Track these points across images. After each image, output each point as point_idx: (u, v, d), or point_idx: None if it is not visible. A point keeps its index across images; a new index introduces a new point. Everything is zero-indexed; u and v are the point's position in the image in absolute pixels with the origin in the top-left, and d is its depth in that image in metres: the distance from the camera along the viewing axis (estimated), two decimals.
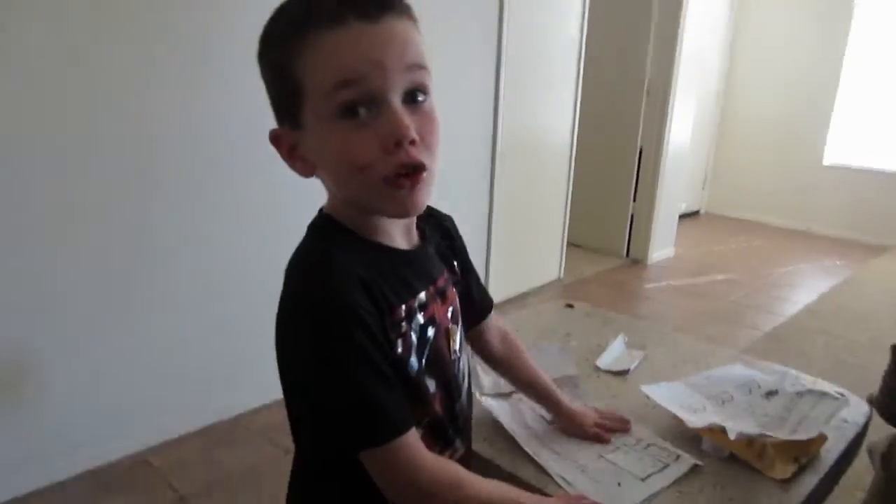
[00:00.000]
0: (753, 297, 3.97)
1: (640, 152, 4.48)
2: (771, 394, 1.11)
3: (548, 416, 1.00)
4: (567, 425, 0.98)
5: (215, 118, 2.05)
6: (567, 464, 0.90)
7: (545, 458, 0.91)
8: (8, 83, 1.64)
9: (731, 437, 0.91)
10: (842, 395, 1.15)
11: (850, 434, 1.05)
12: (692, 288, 4.11)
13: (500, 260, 3.33)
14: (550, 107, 3.69)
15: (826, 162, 5.90)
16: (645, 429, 1.01)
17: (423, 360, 0.70)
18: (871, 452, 1.20)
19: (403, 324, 0.67)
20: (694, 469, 0.91)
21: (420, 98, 0.63)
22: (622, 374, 1.21)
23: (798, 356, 3.07)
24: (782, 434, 0.98)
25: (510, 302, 3.66)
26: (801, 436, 0.97)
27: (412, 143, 0.61)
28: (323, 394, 0.63)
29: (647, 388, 1.05)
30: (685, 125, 4.56)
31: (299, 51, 0.60)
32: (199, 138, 2.04)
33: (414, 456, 0.64)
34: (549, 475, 0.87)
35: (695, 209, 6.57)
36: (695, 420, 0.97)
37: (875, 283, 4.51)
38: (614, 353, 1.27)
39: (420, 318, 0.70)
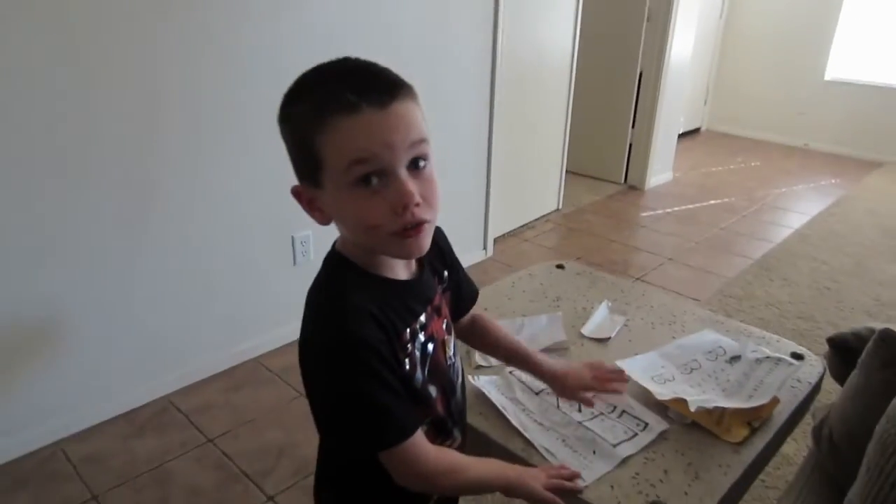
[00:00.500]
0: (746, 223, 4.09)
1: (640, 77, 4.47)
2: (734, 359, 1.25)
3: (538, 385, 1.15)
4: (559, 389, 1.08)
5: None
6: (550, 435, 1.05)
7: (531, 430, 1.06)
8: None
9: (692, 409, 1.06)
10: (799, 356, 1.29)
11: (801, 395, 1.20)
12: (687, 215, 4.22)
13: (500, 192, 3.42)
14: (550, 34, 3.69)
15: (828, 77, 5.86)
16: (620, 397, 1.15)
17: (426, 371, 0.84)
18: (813, 417, 1.35)
19: (409, 345, 0.81)
20: (660, 436, 1.07)
21: (422, 165, 0.74)
22: (604, 341, 1.35)
23: (782, 285, 3.22)
24: (739, 400, 1.13)
25: (511, 235, 3.79)
26: (755, 402, 1.12)
27: (417, 205, 0.73)
28: (346, 413, 0.77)
29: (621, 363, 1.19)
30: (686, 48, 4.53)
31: (319, 129, 0.71)
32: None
33: (418, 452, 0.80)
34: (534, 447, 1.03)
35: (696, 126, 6.58)
36: (662, 392, 1.11)
37: (865, 201, 4.60)
38: (597, 320, 1.41)
39: (421, 337, 0.83)
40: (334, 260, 0.83)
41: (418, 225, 0.74)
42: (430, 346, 0.85)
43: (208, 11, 2.02)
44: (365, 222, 0.73)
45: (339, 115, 0.69)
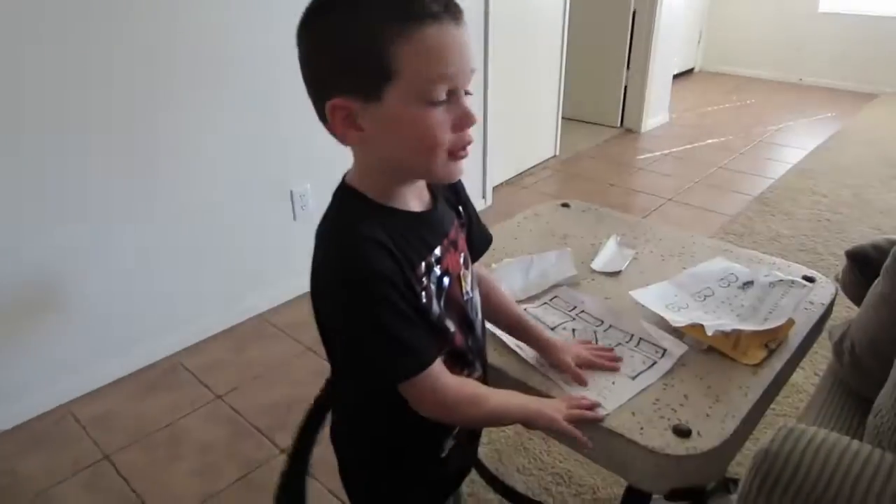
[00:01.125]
0: (744, 161, 4.06)
1: (633, 17, 4.38)
2: (747, 284, 1.24)
3: (553, 320, 1.14)
4: (552, 359, 1.03)
5: None
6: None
7: (548, 367, 1.05)
8: None
9: (709, 333, 1.05)
10: (811, 279, 1.28)
11: (815, 316, 1.19)
12: (685, 155, 4.18)
13: (497, 141, 3.37)
14: None
15: (822, 9, 5.75)
16: (637, 324, 1.15)
17: (442, 305, 0.82)
18: (830, 335, 1.34)
19: (424, 278, 0.78)
20: (678, 361, 1.06)
21: (470, 93, 0.74)
22: (615, 274, 1.33)
23: (783, 220, 3.21)
24: (755, 323, 1.12)
25: (509, 183, 3.75)
26: (771, 324, 1.11)
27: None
28: (363, 345, 0.75)
29: (635, 293, 1.17)
30: None
31: (399, 37, 0.66)
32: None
33: (438, 381, 0.78)
34: (552, 380, 1.02)
35: (689, 67, 6.49)
36: (678, 319, 1.10)
37: (862, 133, 4.57)
38: (607, 255, 1.39)
39: (437, 270, 0.81)
40: (345, 193, 0.80)
41: (466, 146, 0.75)
42: (446, 280, 0.83)
43: None
44: (429, 140, 0.71)
45: (426, 24, 0.66)
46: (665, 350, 1.07)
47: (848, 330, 1.28)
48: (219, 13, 2.06)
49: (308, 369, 2.19)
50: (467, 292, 0.88)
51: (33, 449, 1.88)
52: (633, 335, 1.11)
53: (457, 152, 0.74)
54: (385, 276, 0.72)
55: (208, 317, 2.35)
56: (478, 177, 3.33)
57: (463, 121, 0.72)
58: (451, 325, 0.84)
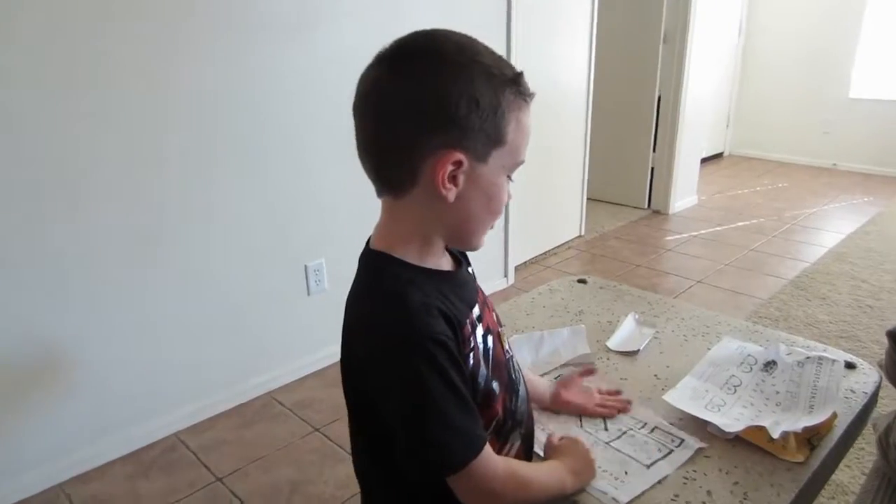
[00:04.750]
0: (778, 244, 3.94)
1: (659, 101, 4.39)
2: (769, 365, 1.12)
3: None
4: (569, 409, 1.05)
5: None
6: None
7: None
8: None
9: (775, 436, 0.93)
10: (852, 365, 1.17)
11: (858, 406, 1.07)
12: (715, 237, 4.08)
13: (521, 220, 3.33)
14: (565, 59, 3.63)
15: (853, 95, 5.73)
16: (649, 410, 1.04)
17: (490, 366, 0.77)
18: (874, 428, 1.21)
19: (471, 338, 0.75)
20: (699, 452, 0.94)
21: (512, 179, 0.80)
22: (632, 354, 1.23)
23: (821, 305, 3.05)
24: (802, 412, 1.00)
25: (533, 262, 3.68)
26: (819, 412, 0.99)
27: None
28: (419, 426, 0.69)
29: (668, 398, 1.05)
30: (704, 70, 4.45)
31: (515, 108, 0.72)
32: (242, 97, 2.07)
33: (487, 467, 0.72)
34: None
35: (718, 151, 6.46)
36: (729, 423, 0.98)
37: None
38: (624, 333, 1.29)
39: (480, 329, 0.77)
40: (381, 259, 0.75)
41: None
42: (490, 339, 0.79)
43: (217, 37, 1.99)
44: (500, 207, 0.76)
45: (527, 104, 0.74)
46: (682, 440, 0.96)
47: (894, 422, 1.14)
48: (231, 89, 2.08)
49: (314, 451, 2.08)
50: (507, 350, 0.86)
51: None
52: (645, 423, 1.00)
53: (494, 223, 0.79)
54: (442, 341, 0.69)
55: (214, 394, 2.26)
56: (500, 255, 3.27)
57: (509, 197, 0.78)
58: (496, 388, 0.79)
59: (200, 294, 2.15)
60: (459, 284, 0.79)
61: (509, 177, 0.76)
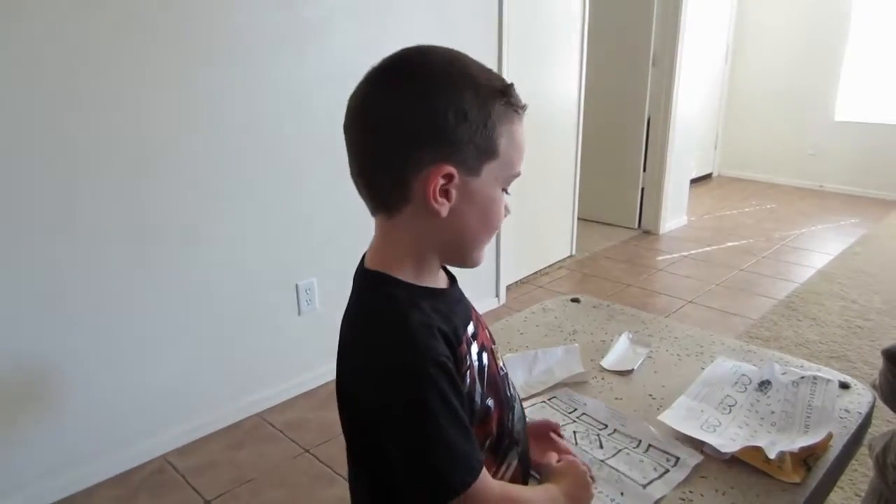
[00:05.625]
0: (767, 264, 3.96)
1: (648, 122, 4.44)
2: (763, 384, 1.13)
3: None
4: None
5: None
6: None
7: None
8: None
9: (772, 456, 0.93)
10: (846, 385, 1.17)
11: (853, 426, 1.07)
12: (705, 257, 4.10)
13: (512, 240, 3.34)
14: (555, 82, 3.67)
15: (838, 118, 5.81)
16: (645, 430, 1.03)
17: (485, 384, 0.76)
18: (871, 448, 1.21)
19: (467, 357, 0.73)
20: (695, 472, 0.94)
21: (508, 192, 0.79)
22: (626, 373, 1.23)
23: (811, 325, 3.07)
24: (798, 432, 1.00)
25: (524, 282, 3.68)
26: (815, 432, 0.99)
27: None
28: (420, 451, 0.66)
29: (664, 418, 1.05)
30: (693, 92, 4.50)
31: (507, 121, 0.72)
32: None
33: (484, 493, 0.69)
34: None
35: (707, 172, 6.52)
36: (725, 444, 0.98)
37: (889, 240, 4.46)
38: (618, 352, 1.29)
39: (475, 346, 0.76)
40: (376, 279, 0.74)
41: None
42: (485, 357, 0.78)
43: (208, 56, 2.00)
44: (496, 221, 0.76)
45: (519, 116, 0.74)
46: (678, 458, 0.96)
47: (891, 441, 1.14)
48: (222, 107, 2.09)
49: (304, 473, 2.06)
50: (502, 368, 0.84)
51: None
52: (640, 441, 1.00)
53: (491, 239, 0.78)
54: (442, 362, 0.67)
55: (204, 415, 2.23)
56: (491, 275, 3.27)
57: (507, 211, 0.77)
58: (492, 405, 0.78)
59: (190, 313, 2.13)
60: (455, 302, 0.78)
61: (506, 190, 0.75)
